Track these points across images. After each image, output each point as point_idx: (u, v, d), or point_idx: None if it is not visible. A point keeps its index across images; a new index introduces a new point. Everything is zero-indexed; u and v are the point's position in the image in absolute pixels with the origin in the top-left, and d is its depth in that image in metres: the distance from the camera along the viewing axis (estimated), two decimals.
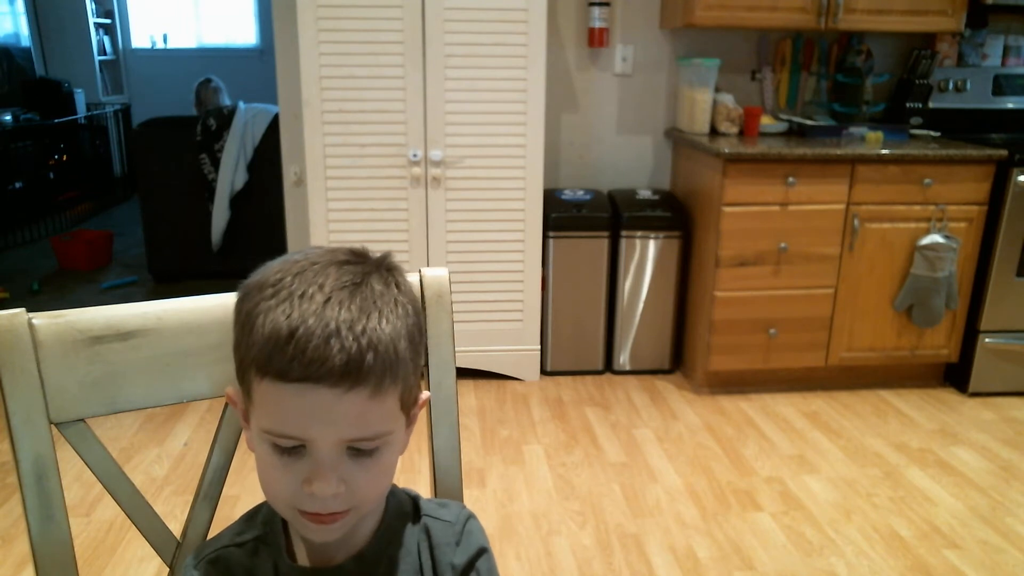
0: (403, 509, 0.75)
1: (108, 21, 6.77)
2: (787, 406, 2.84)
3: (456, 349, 0.87)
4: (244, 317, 0.64)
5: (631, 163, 3.28)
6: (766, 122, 3.06)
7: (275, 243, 3.22)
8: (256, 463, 0.66)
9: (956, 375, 3.00)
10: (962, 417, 2.78)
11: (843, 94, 3.18)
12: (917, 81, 3.11)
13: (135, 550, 1.95)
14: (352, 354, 0.59)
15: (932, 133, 3.05)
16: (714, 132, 3.04)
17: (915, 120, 3.13)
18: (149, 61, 7.04)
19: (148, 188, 4.05)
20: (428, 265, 2.79)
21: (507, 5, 2.62)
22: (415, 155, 2.71)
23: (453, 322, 0.87)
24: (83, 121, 6.02)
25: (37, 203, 5.27)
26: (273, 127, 3.68)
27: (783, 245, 2.73)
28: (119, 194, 6.34)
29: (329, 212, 2.75)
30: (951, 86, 3.17)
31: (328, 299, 0.61)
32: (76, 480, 2.21)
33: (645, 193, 3.10)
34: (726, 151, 2.64)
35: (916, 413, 2.80)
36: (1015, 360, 2.90)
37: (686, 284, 3.05)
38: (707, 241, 2.82)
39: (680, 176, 3.18)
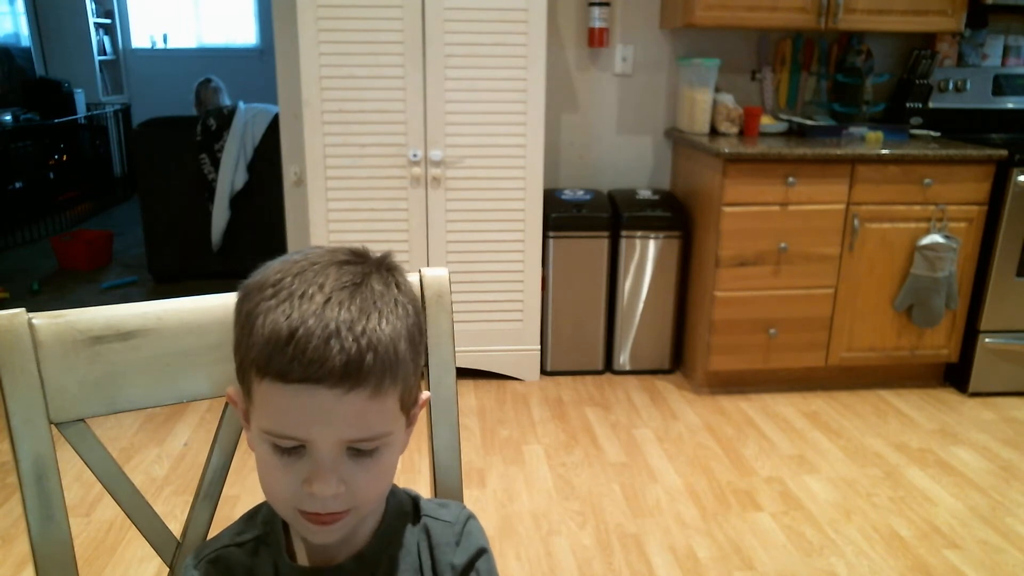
0: (403, 509, 0.75)
1: (108, 21, 6.77)
2: (787, 406, 2.84)
3: (456, 349, 0.87)
4: (244, 317, 0.64)
5: (631, 163, 3.28)
6: (766, 122, 3.06)
7: (275, 243, 3.22)
8: (256, 463, 0.66)
9: (956, 375, 3.00)
10: (962, 417, 2.78)
11: (843, 94, 3.18)
12: (917, 81, 3.11)
13: (135, 550, 1.95)
14: (352, 355, 0.59)
15: (932, 133, 3.05)
16: (714, 132, 3.04)
17: (915, 120, 3.13)
18: (149, 61, 7.04)
19: (148, 188, 4.05)
20: (428, 265, 2.79)
21: (507, 5, 2.62)
22: (415, 155, 2.71)
23: (453, 322, 0.87)
24: (83, 121, 6.02)
25: (37, 203, 5.27)
26: (273, 127, 3.68)
27: (783, 245, 2.73)
28: (119, 194, 6.34)
29: (329, 212, 2.75)
30: (951, 86, 3.17)
31: (328, 299, 0.61)
32: (76, 480, 2.21)
33: (645, 193, 3.10)
34: (726, 151, 2.64)
35: (916, 413, 2.80)
36: (1015, 360, 2.90)
37: (686, 284, 3.05)
38: (707, 241, 2.82)
39: (680, 176, 3.18)
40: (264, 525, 0.72)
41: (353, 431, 0.62)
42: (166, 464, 2.37)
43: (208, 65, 6.13)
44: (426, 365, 0.85)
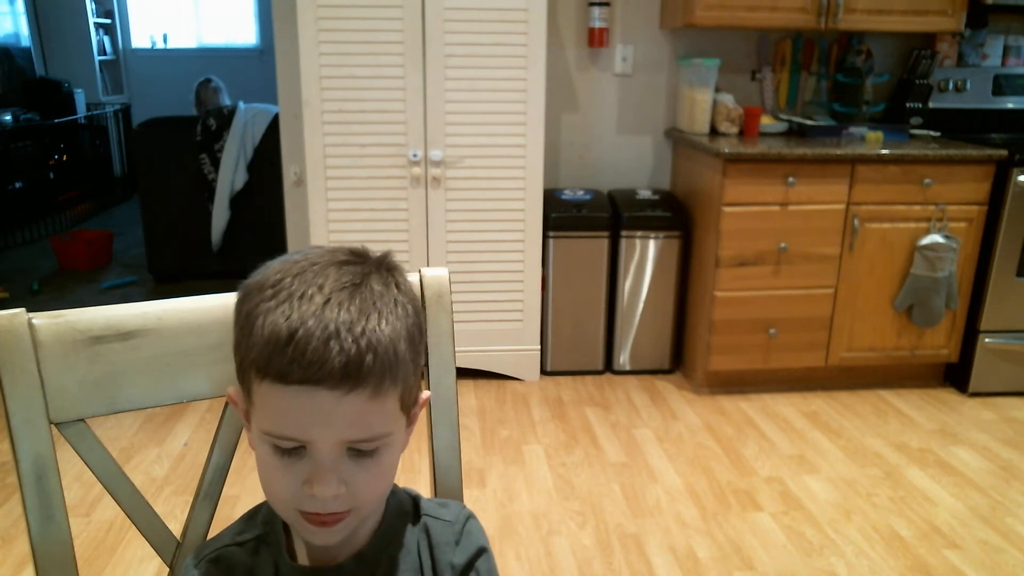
0: (403, 509, 0.75)
1: (108, 21, 6.77)
2: (787, 406, 2.84)
3: (456, 349, 0.87)
4: (244, 318, 0.63)
5: (631, 163, 3.28)
6: (766, 122, 3.06)
7: (275, 243, 3.22)
8: (257, 463, 0.66)
9: (956, 375, 3.00)
10: (962, 417, 2.78)
11: (843, 94, 3.18)
12: (917, 81, 3.11)
13: (135, 550, 1.95)
14: (352, 356, 0.59)
15: (932, 133, 3.05)
16: (714, 132, 3.04)
17: (915, 120, 3.13)
18: (149, 61, 7.04)
19: (148, 188, 4.05)
20: (428, 265, 2.79)
21: (507, 5, 2.62)
22: (415, 155, 2.71)
23: (453, 322, 0.87)
24: (83, 121, 6.02)
25: (37, 203, 5.27)
26: (273, 127, 3.68)
27: (783, 245, 2.73)
28: (119, 194, 6.34)
29: (329, 212, 2.75)
30: (951, 86, 3.17)
31: (328, 300, 0.61)
32: (76, 480, 2.21)
33: (645, 193, 3.10)
34: (726, 151, 2.64)
35: (916, 413, 2.80)
36: (1015, 360, 2.90)
37: (686, 284, 3.05)
38: (707, 241, 2.82)
39: (680, 176, 3.18)
40: (264, 525, 0.72)
41: (353, 432, 0.62)
42: (166, 464, 2.37)
43: (208, 65, 6.13)
44: (426, 365, 0.85)
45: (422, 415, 0.74)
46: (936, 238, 2.73)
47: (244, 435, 0.72)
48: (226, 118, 3.85)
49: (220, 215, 3.89)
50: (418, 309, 0.68)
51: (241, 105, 3.92)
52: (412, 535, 0.73)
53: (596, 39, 3.06)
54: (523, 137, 2.74)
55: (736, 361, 2.85)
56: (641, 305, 3.03)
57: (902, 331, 2.87)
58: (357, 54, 2.62)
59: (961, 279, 2.82)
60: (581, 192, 3.08)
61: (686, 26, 2.89)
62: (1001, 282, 2.81)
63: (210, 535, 0.79)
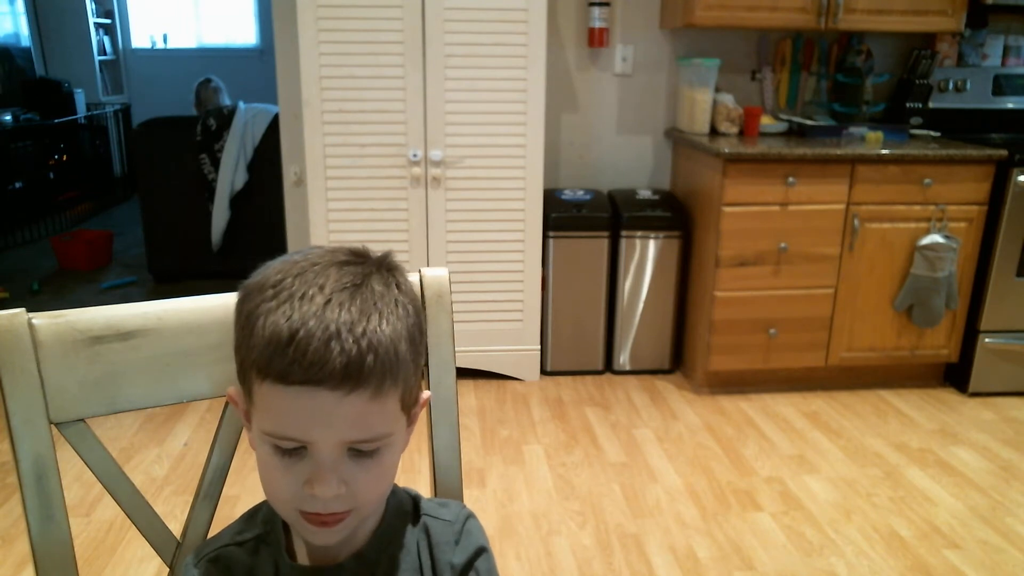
0: (403, 509, 0.75)
1: (108, 21, 6.77)
2: (787, 406, 2.84)
3: (456, 349, 0.87)
4: (244, 318, 0.63)
5: (631, 163, 3.28)
6: (766, 122, 3.06)
7: (275, 243, 3.22)
8: (257, 463, 0.66)
9: (956, 375, 3.00)
10: (962, 417, 2.78)
11: (843, 94, 3.18)
12: (917, 81, 3.11)
13: (135, 550, 1.95)
14: (352, 356, 0.59)
15: (932, 133, 3.05)
16: (714, 132, 3.04)
17: (915, 120, 3.13)
18: (149, 61, 7.04)
19: (148, 188, 4.05)
20: (428, 265, 2.79)
21: (507, 5, 2.62)
22: (415, 155, 2.71)
23: (453, 322, 0.87)
24: (83, 121, 6.02)
25: (37, 203, 5.27)
26: (273, 127, 3.68)
27: (783, 245, 2.73)
28: (119, 194, 6.34)
29: (329, 212, 2.75)
30: (951, 86, 3.17)
31: (328, 301, 0.61)
32: (76, 480, 2.21)
33: (645, 193, 3.10)
34: (726, 151, 2.64)
35: (916, 413, 2.80)
36: (1015, 360, 2.90)
37: (686, 284, 3.05)
38: (707, 241, 2.82)
39: (680, 176, 3.18)
40: (264, 524, 0.72)
41: (354, 432, 0.62)
42: (166, 464, 2.37)
43: (208, 65, 6.13)
44: (426, 365, 0.85)
45: (422, 415, 0.74)
46: (936, 238, 2.73)
47: (244, 435, 0.72)
48: (226, 118, 3.85)
49: (220, 215, 3.89)
50: (418, 309, 0.68)
51: (241, 105, 3.92)
52: (412, 535, 0.73)
53: (596, 39, 3.06)
54: (523, 137, 2.74)
55: (736, 361, 2.85)
56: (641, 305, 3.03)
57: (902, 331, 2.87)
58: (357, 54, 2.62)
59: (961, 279, 2.82)
60: (581, 192, 3.08)
61: (686, 26, 2.89)
62: (1001, 282, 2.82)
63: (210, 535, 0.79)
